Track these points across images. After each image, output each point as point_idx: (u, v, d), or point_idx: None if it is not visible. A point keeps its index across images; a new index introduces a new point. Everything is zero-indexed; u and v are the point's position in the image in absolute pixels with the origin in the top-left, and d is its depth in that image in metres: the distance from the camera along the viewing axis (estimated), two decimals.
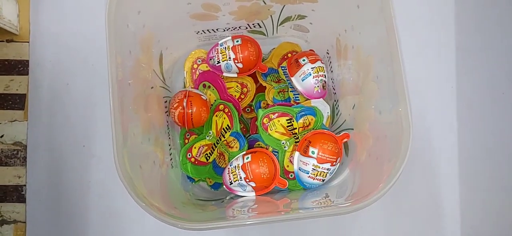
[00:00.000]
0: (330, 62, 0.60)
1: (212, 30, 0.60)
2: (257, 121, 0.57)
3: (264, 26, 0.60)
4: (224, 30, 0.60)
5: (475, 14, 0.67)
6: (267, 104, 0.61)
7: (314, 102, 0.58)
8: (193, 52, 0.63)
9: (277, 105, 0.58)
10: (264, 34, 0.62)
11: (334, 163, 0.53)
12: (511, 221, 0.63)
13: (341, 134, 0.55)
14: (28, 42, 0.66)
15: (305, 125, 0.56)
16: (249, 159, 0.54)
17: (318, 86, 0.57)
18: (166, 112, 0.59)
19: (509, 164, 0.64)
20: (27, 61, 0.66)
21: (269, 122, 0.56)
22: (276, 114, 0.56)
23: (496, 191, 0.63)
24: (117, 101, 0.44)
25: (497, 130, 0.64)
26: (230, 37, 0.60)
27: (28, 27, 0.67)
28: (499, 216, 0.63)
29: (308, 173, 0.53)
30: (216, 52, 0.59)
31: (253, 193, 0.54)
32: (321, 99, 0.58)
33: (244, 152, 0.56)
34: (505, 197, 0.63)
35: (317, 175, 0.53)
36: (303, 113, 0.56)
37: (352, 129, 0.55)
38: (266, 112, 0.57)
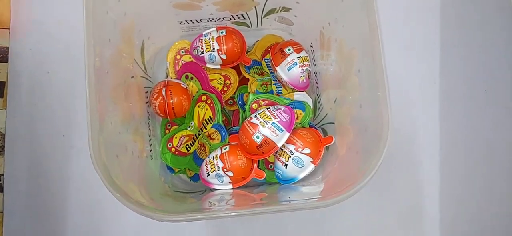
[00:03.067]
0: (314, 55, 0.60)
1: (196, 20, 0.59)
2: (246, 104, 0.57)
3: (248, 17, 0.60)
4: (208, 21, 0.59)
5: (460, 10, 0.67)
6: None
7: (296, 96, 0.58)
8: (176, 43, 0.62)
9: (269, 93, 0.58)
10: (248, 26, 0.62)
11: (312, 162, 0.52)
12: (488, 219, 0.63)
13: (326, 137, 0.54)
14: (8, 29, 0.65)
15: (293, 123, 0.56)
16: (227, 149, 0.54)
17: (303, 76, 0.57)
18: (146, 103, 0.59)
19: (489, 162, 0.64)
20: (7, 48, 0.65)
21: (257, 107, 0.56)
22: (266, 101, 0.56)
23: (476, 189, 0.64)
24: (94, 90, 0.43)
25: (478, 128, 0.65)
26: (214, 28, 0.59)
27: (8, 13, 0.65)
28: (478, 213, 0.63)
29: (286, 166, 0.53)
30: (200, 43, 0.59)
31: (230, 186, 0.53)
32: (304, 92, 0.58)
33: (226, 144, 0.56)
34: (484, 194, 0.64)
35: (293, 166, 0.53)
36: (293, 106, 0.56)
37: (333, 123, 0.55)
38: (257, 97, 0.57)
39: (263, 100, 0.57)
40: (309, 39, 0.59)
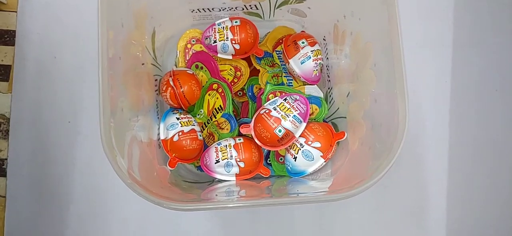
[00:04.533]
0: (326, 48, 0.59)
1: (208, 9, 0.58)
2: (262, 95, 0.56)
3: (261, 8, 0.59)
4: (220, 10, 0.58)
5: (472, 9, 0.66)
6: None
7: (307, 89, 0.57)
8: (187, 31, 0.61)
9: (287, 86, 0.58)
10: (260, 17, 0.61)
11: (322, 156, 0.52)
12: (495, 220, 0.63)
13: (338, 132, 0.54)
14: (16, 11, 0.64)
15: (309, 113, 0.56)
16: (242, 141, 0.54)
17: (316, 70, 0.56)
18: (156, 91, 0.58)
19: (498, 162, 0.64)
20: (14, 31, 0.64)
21: (274, 98, 0.55)
22: (284, 93, 0.56)
23: (484, 189, 0.63)
24: (107, 75, 0.42)
25: (488, 128, 0.64)
26: (228, 18, 0.58)
27: None
28: (484, 214, 0.63)
29: (295, 159, 0.52)
30: (213, 31, 0.58)
31: (234, 178, 0.53)
32: (315, 85, 0.57)
33: (236, 135, 0.55)
34: (492, 195, 0.63)
35: (303, 159, 0.52)
36: (309, 100, 0.56)
37: (345, 117, 0.54)
38: (274, 88, 0.56)
39: (280, 92, 0.56)
40: (322, 32, 0.59)
